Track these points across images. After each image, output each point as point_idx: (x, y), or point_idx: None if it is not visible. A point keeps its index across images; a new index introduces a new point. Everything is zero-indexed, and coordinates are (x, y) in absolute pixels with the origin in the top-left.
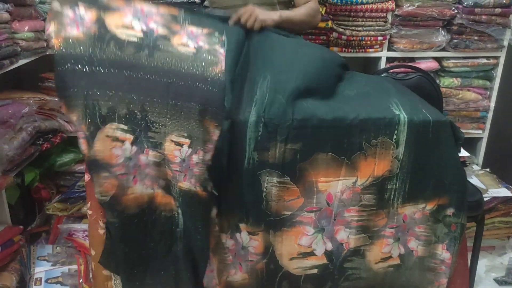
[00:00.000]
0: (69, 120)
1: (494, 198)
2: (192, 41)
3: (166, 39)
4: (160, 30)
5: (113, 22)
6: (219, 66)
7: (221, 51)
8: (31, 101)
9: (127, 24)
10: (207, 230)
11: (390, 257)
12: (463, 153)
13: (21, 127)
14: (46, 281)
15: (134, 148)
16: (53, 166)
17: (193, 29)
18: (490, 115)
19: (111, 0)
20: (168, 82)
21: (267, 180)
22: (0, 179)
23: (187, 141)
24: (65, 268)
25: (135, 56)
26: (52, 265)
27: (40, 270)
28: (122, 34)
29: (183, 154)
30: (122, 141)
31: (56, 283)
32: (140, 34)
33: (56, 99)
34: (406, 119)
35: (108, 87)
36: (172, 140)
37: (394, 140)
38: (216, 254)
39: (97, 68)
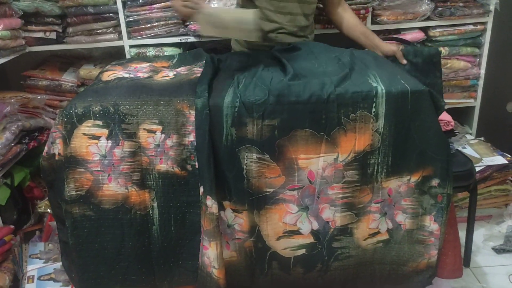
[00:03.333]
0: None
1: (489, 166)
2: (172, 72)
3: (150, 78)
4: (145, 75)
5: (106, 75)
6: (193, 76)
7: (199, 69)
8: (13, 100)
9: (117, 75)
10: (197, 208)
11: (378, 232)
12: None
13: (4, 127)
14: (38, 278)
15: (109, 142)
16: None
17: (177, 69)
18: (481, 82)
19: (111, 66)
20: (141, 86)
21: (246, 156)
22: None
23: (159, 127)
24: (58, 265)
25: (117, 83)
26: (44, 262)
27: (33, 268)
28: (109, 78)
29: (157, 140)
30: (98, 137)
31: (49, 279)
32: (126, 75)
33: (39, 97)
34: (384, 91)
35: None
36: (144, 129)
37: (373, 113)
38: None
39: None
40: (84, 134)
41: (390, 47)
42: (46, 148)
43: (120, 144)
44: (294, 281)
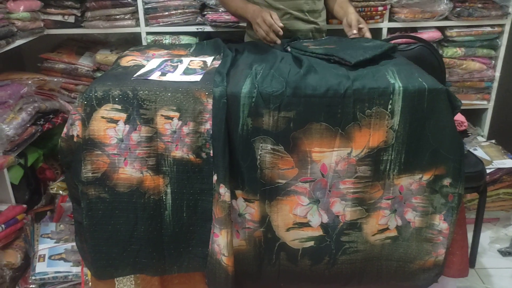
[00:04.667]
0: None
1: (499, 169)
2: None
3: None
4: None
5: (124, 60)
6: (211, 68)
7: (217, 62)
8: (30, 82)
9: (136, 60)
10: (210, 196)
11: (387, 228)
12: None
13: (21, 108)
14: (49, 257)
15: (127, 127)
16: (57, 146)
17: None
18: (495, 85)
19: (129, 51)
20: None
21: (261, 147)
22: (0, 159)
23: (177, 114)
24: (68, 245)
25: (136, 69)
26: (55, 242)
27: (44, 247)
28: (128, 64)
29: (174, 127)
30: (116, 121)
31: (59, 259)
32: (145, 63)
33: (55, 79)
34: (401, 88)
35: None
36: (162, 115)
37: (389, 110)
38: (223, 223)
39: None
40: (102, 117)
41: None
42: (65, 130)
43: (137, 128)
44: (301, 272)
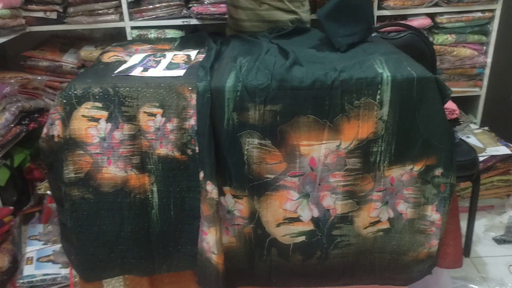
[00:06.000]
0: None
1: (493, 156)
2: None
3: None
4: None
5: (106, 56)
6: (195, 62)
7: (202, 56)
8: (13, 81)
9: (118, 56)
10: (197, 193)
11: (379, 221)
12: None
13: (4, 108)
14: (37, 259)
15: (109, 125)
16: None
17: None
18: (487, 71)
19: (111, 47)
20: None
21: (247, 142)
22: None
23: (160, 110)
24: (57, 247)
25: (117, 65)
26: (43, 244)
27: (32, 249)
28: (110, 60)
29: (157, 124)
30: (97, 120)
31: (48, 261)
32: (128, 59)
33: (39, 77)
34: (390, 78)
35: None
36: (145, 112)
37: (377, 101)
38: (211, 220)
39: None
40: (83, 116)
41: None
42: (45, 130)
43: (119, 126)
44: (293, 268)
